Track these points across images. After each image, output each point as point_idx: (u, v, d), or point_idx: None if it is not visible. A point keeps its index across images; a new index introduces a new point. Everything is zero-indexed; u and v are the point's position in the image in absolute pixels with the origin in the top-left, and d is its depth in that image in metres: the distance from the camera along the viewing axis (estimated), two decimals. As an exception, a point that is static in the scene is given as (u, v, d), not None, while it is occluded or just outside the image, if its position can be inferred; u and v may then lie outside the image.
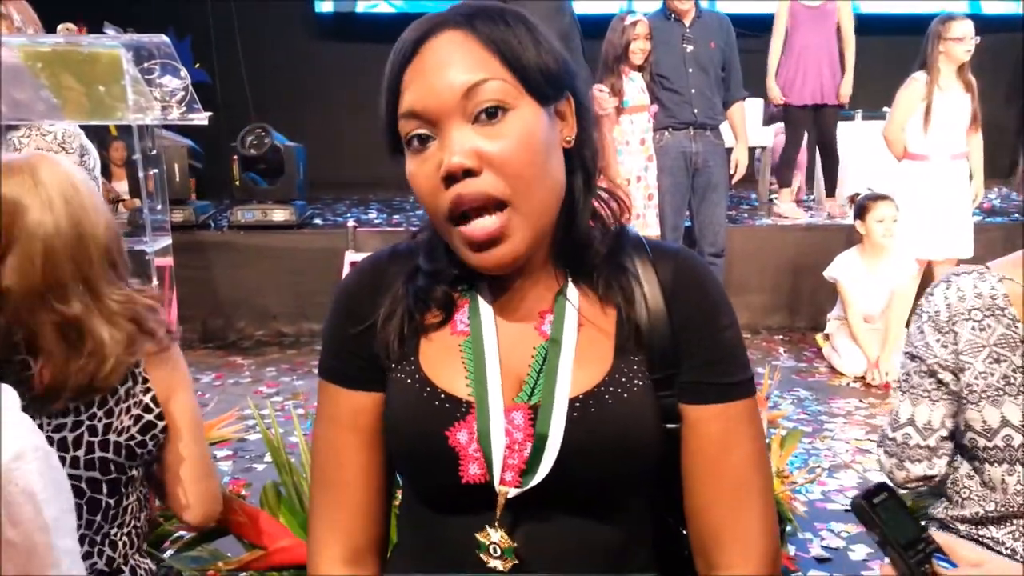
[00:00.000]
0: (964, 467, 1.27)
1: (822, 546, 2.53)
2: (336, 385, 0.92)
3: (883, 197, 4.02)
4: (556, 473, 0.81)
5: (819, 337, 4.41)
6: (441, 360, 0.87)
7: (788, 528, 2.19)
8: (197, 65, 6.69)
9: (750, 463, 0.86)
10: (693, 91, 4.29)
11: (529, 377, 0.85)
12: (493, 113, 0.77)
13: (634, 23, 4.23)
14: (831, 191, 5.35)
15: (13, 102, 2.30)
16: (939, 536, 0.79)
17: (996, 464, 1.19)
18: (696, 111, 4.31)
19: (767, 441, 2.19)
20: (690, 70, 4.30)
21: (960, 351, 1.20)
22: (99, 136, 5.58)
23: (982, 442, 1.20)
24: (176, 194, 4.74)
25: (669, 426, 0.86)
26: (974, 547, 0.79)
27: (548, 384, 0.83)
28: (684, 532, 0.92)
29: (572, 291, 0.87)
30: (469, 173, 0.76)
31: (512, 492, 0.82)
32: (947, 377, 1.23)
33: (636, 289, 0.86)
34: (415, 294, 0.88)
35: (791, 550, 2.27)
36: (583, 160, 0.85)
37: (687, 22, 4.33)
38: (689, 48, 4.29)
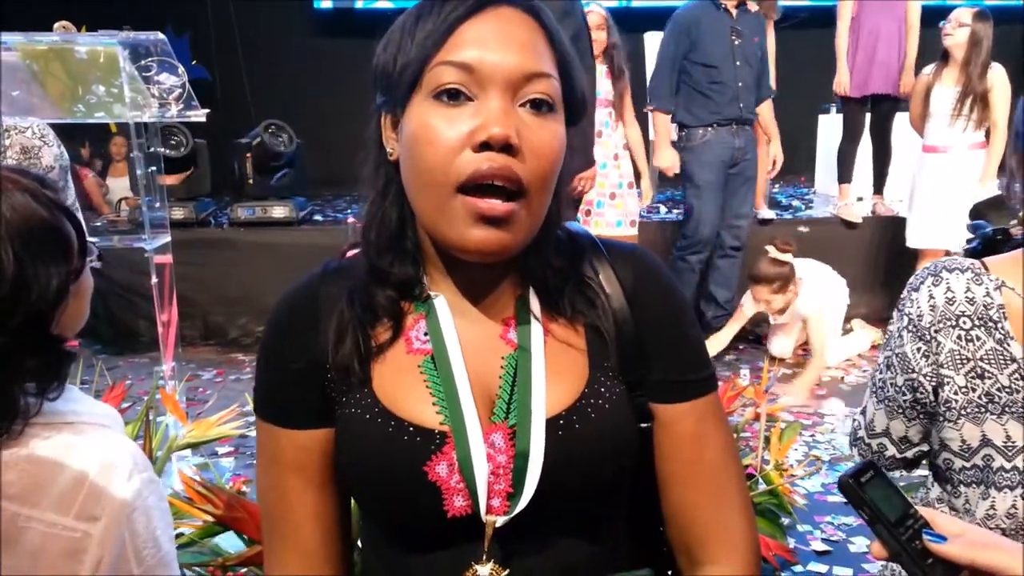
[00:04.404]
0: (935, 491, 1.16)
1: (822, 539, 2.53)
2: (277, 426, 0.85)
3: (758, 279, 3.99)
4: (543, 492, 0.78)
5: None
6: (400, 385, 0.81)
7: (788, 521, 2.20)
8: (195, 62, 6.68)
9: (724, 456, 0.87)
10: (740, 85, 4.12)
11: (502, 391, 0.81)
12: (540, 106, 0.76)
13: (587, 13, 4.12)
14: (879, 187, 5.07)
15: (9, 100, 2.30)
16: (923, 510, 0.78)
17: (973, 486, 1.08)
18: (742, 106, 4.15)
19: (766, 435, 2.20)
20: (737, 63, 4.12)
21: (941, 363, 1.06)
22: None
23: (959, 463, 1.08)
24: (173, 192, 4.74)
25: (642, 425, 0.85)
26: (953, 518, 0.79)
27: (523, 399, 0.80)
28: (661, 529, 0.91)
29: (533, 298, 0.85)
30: (507, 149, 0.73)
31: (500, 521, 0.78)
32: (926, 394, 1.08)
33: (601, 298, 0.85)
34: (362, 303, 0.82)
35: (791, 543, 2.27)
36: (561, 179, 0.83)
37: (734, 14, 4.13)
38: (737, 41, 4.10)
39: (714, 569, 0.86)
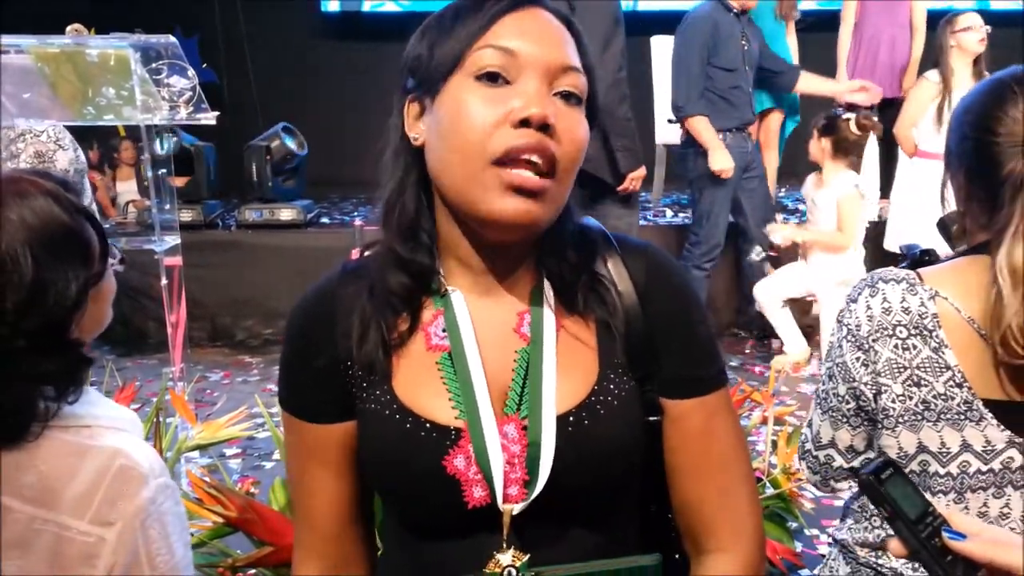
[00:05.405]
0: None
1: (829, 543, 2.52)
2: (299, 419, 0.89)
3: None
4: (554, 483, 0.80)
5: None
6: (418, 382, 0.84)
7: (795, 525, 2.20)
8: (204, 65, 6.70)
9: (732, 450, 0.89)
10: (751, 89, 4.13)
11: (515, 383, 0.84)
12: (570, 97, 0.81)
13: None
14: (885, 191, 4.95)
15: (21, 102, 2.32)
16: (942, 509, 0.79)
17: None
18: (752, 110, 4.17)
19: (774, 438, 2.20)
20: (747, 68, 4.11)
21: (879, 372, 1.08)
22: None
23: None
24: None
25: (651, 419, 0.87)
26: (971, 517, 0.79)
27: (534, 393, 0.82)
28: (669, 516, 0.93)
29: (548, 289, 0.86)
30: (544, 128, 0.77)
31: (517, 508, 0.81)
32: (868, 402, 1.11)
33: (613, 295, 0.86)
34: (380, 292, 0.84)
35: (798, 547, 2.27)
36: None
37: (741, 18, 4.09)
38: (746, 46, 4.08)
39: (719, 556, 0.88)
